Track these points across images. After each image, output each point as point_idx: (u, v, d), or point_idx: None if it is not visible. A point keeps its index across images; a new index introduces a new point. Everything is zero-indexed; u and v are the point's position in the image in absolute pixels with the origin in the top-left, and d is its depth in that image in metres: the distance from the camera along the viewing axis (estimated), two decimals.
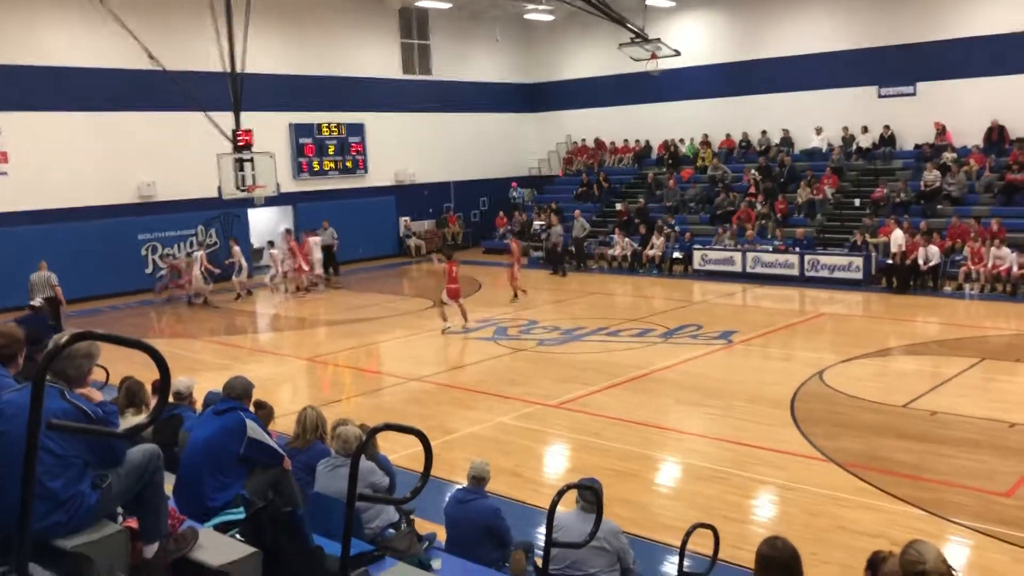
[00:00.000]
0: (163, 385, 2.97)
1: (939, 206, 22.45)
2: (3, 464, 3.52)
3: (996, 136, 23.55)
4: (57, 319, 15.94)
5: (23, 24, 21.48)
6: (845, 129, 26.11)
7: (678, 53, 25.76)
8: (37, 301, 15.08)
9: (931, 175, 23.05)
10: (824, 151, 26.43)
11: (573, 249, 25.84)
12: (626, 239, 25.40)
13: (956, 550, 7.45)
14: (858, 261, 20.90)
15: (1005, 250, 19.27)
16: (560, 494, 4.82)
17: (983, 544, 7.41)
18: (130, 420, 6.40)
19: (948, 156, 23.52)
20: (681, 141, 30.00)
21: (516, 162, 33.84)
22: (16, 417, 3.45)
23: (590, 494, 5.40)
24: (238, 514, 5.06)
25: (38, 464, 2.94)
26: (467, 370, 14.35)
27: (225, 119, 20.62)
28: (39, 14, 21.75)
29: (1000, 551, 7.26)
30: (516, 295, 20.74)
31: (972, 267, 19.57)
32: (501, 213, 30.73)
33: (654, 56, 25.64)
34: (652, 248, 24.69)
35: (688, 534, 5.58)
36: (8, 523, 3.12)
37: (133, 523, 4.18)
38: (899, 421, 10.79)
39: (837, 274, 21.11)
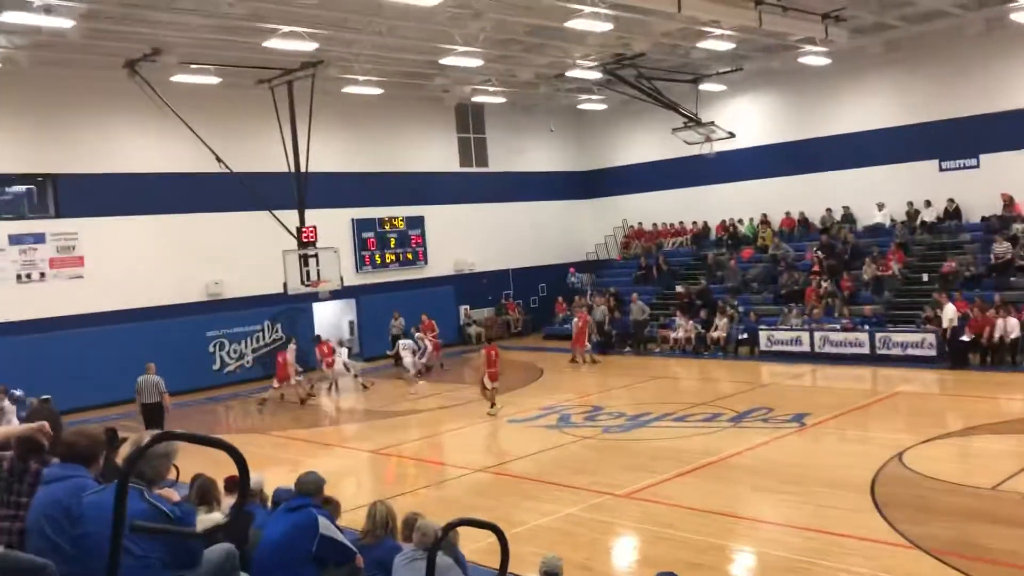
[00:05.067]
0: (243, 484, 2.96)
1: (1012, 278, 21.83)
2: (86, 567, 3.52)
3: None
4: (160, 423, 15.96)
5: (99, 135, 22.54)
6: (909, 204, 25.70)
7: (732, 135, 25.91)
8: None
9: (1001, 247, 22.49)
10: (887, 227, 26.04)
11: (632, 332, 25.67)
12: (689, 321, 25.11)
13: None
14: (931, 338, 20.30)
15: None
16: None
17: None
18: (202, 518, 6.38)
19: (1018, 227, 22.96)
20: (740, 221, 29.86)
21: (573, 247, 33.99)
22: (99, 519, 3.46)
23: None
24: None
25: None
26: (532, 459, 14.13)
27: (290, 217, 21.22)
28: (112, 125, 22.78)
29: None
30: (576, 359, 23.44)
31: None
32: (560, 299, 30.74)
33: (708, 139, 25.81)
34: (716, 330, 24.36)
35: None
36: None
37: None
38: (989, 504, 10.28)
39: (910, 351, 20.51)
